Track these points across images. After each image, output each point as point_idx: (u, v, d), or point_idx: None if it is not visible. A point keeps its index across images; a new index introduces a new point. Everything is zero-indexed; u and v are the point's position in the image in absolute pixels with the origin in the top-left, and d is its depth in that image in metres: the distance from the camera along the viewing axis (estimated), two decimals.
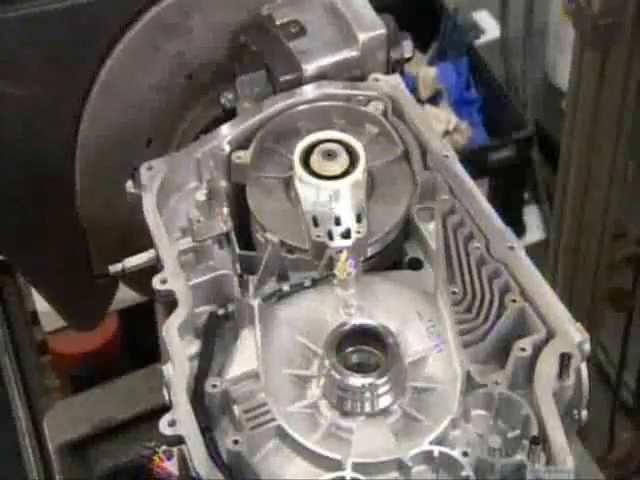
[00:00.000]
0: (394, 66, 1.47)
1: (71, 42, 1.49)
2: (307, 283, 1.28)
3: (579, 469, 1.10)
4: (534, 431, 1.11)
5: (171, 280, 1.24)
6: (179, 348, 1.19)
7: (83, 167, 1.59)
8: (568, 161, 2.11)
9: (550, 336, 1.18)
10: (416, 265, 1.31)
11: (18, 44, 1.47)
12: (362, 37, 1.44)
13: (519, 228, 2.97)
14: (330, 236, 1.29)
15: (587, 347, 1.18)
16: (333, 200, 1.31)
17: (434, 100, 3.00)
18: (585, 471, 1.19)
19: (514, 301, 1.21)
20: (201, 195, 1.34)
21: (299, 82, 1.45)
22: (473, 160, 2.71)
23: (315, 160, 1.33)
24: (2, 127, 1.54)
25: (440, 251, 1.27)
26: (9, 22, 1.45)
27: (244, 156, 1.37)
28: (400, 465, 1.11)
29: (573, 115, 2.05)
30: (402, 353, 1.18)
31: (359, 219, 1.30)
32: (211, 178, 1.36)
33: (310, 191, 1.31)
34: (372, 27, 1.45)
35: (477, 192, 1.32)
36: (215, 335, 1.23)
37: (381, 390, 1.15)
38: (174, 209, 1.37)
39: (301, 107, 1.43)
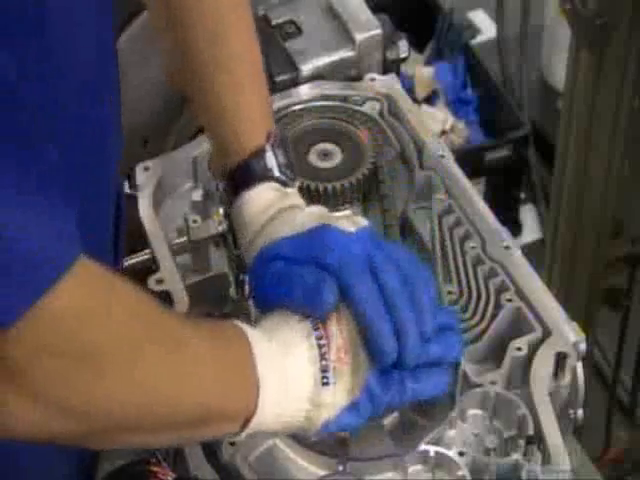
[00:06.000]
0: (390, 66, 1.47)
1: None
2: None
3: (575, 468, 1.10)
4: (530, 431, 1.11)
5: (167, 280, 1.24)
6: None
7: None
8: (564, 161, 2.11)
9: (546, 335, 1.18)
10: None
11: None
12: (358, 37, 1.44)
13: (515, 228, 2.96)
14: None
15: (583, 346, 1.18)
16: None
17: (430, 100, 3.00)
18: (581, 470, 1.18)
19: (510, 301, 1.21)
20: (197, 195, 1.34)
21: (295, 82, 1.45)
22: (469, 160, 2.70)
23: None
24: None
25: (436, 251, 1.27)
26: None
27: None
28: (396, 465, 1.11)
29: (569, 115, 2.05)
30: None
31: None
32: (207, 178, 1.36)
33: None
34: (368, 27, 1.45)
35: (473, 192, 1.32)
36: None
37: None
38: (170, 209, 1.37)
39: (297, 107, 1.43)
